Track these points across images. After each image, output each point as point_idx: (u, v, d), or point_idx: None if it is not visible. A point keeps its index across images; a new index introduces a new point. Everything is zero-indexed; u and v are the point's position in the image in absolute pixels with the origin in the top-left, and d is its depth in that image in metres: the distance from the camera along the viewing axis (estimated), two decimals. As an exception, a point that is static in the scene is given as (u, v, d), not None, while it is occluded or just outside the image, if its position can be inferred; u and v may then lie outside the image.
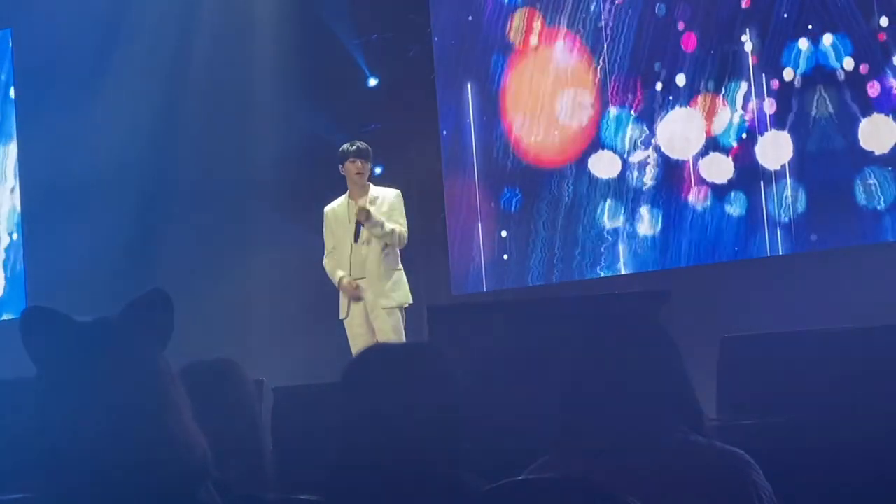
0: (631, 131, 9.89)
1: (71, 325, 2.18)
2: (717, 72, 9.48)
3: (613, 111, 9.97)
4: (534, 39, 10.43)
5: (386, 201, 8.27)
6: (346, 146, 8.35)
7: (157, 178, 11.20)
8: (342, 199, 8.45)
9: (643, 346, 2.89)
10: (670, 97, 9.69)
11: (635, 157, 9.86)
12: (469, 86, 10.74)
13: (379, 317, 8.18)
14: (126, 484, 2.05)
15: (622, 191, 9.92)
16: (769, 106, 9.25)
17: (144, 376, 2.15)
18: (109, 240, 10.94)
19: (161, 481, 2.07)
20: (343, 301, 8.32)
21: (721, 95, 9.46)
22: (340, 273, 8.29)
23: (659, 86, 9.73)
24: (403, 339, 8.12)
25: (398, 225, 8.21)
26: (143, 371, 2.15)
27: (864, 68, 8.90)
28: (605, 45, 10.00)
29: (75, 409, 2.09)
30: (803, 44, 9.12)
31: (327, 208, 8.51)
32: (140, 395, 2.12)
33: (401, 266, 8.34)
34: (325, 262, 8.46)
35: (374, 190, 8.34)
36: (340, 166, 8.34)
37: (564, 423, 2.87)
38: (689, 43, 9.62)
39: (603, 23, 10.01)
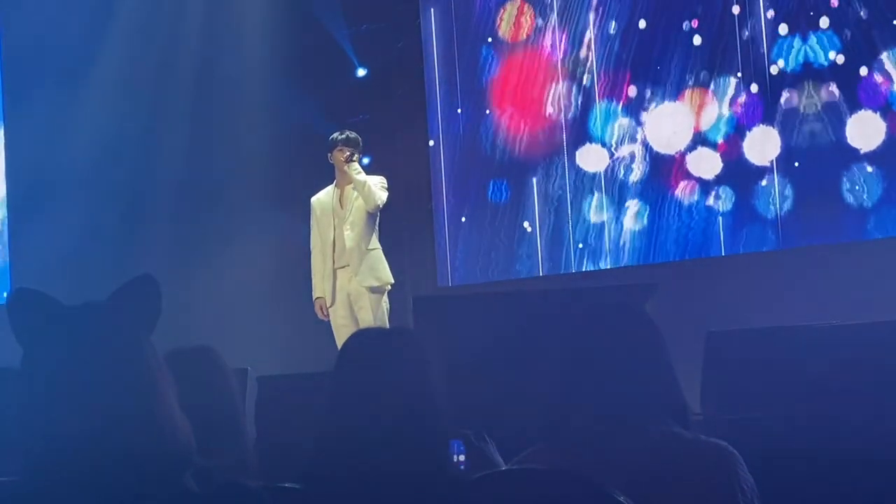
0: (618, 125, 9.89)
1: (58, 309, 2.18)
2: (706, 66, 9.49)
3: (601, 105, 9.98)
4: (523, 31, 10.43)
5: (370, 181, 8.31)
6: (335, 135, 8.41)
7: (143, 167, 11.16)
8: (328, 188, 8.49)
9: (629, 339, 2.90)
10: (658, 91, 9.70)
11: (622, 151, 9.86)
12: (458, 77, 10.74)
13: (363, 307, 8.20)
14: (109, 469, 2.05)
15: (609, 184, 9.92)
16: (757, 101, 9.26)
17: (130, 361, 2.14)
18: (95, 228, 10.90)
19: (144, 467, 2.07)
20: (328, 287, 8.34)
21: (709, 90, 9.47)
22: (317, 294, 8.36)
23: (647, 80, 9.75)
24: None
25: (375, 186, 8.23)
26: (130, 356, 2.15)
27: (852, 64, 8.92)
28: (594, 39, 10.01)
29: (60, 393, 2.09)
30: (792, 39, 9.14)
31: (314, 199, 8.53)
32: (125, 380, 2.11)
33: (378, 246, 8.37)
34: (313, 259, 8.49)
35: (362, 175, 8.33)
36: (329, 154, 8.38)
37: (550, 414, 2.87)
38: (679, 38, 9.63)
39: (591, 17, 10.02)
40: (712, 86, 9.45)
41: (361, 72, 11.15)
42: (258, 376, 5.71)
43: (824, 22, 9.00)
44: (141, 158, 11.16)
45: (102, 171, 11.11)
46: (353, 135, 8.38)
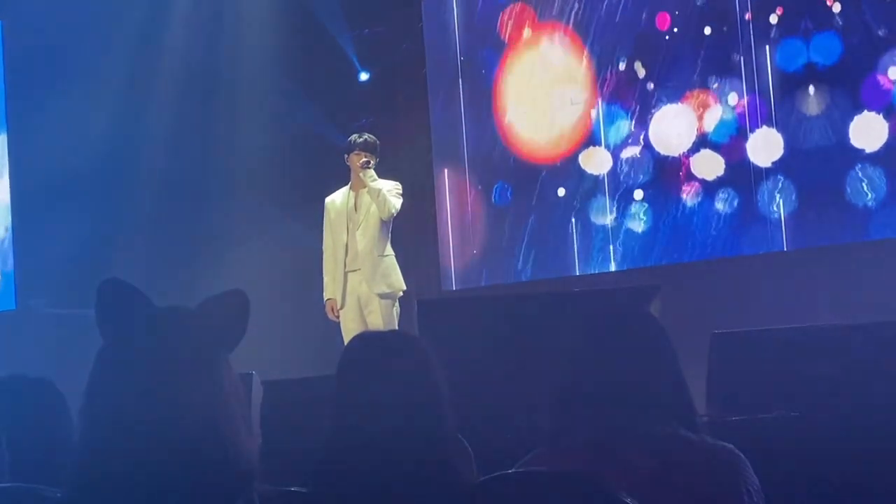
0: (622, 127, 9.89)
1: (147, 305, 2.16)
2: (710, 69, 9.48)
3: (605, 107, 9.98)
4: (525, 34, 10.43)
5: (384, 187, 8.24)
6: (354, 136, 8.32)
7: (147, 171, 11.17)
8: (343, 189, 8.42)
9: (634, 341, 2.90)
10: (662, 94, 9.69)
11: (626, 154, 9.86)
12: (460, 80, 10.74)
13: (373, 311, 8.16)
14: (166, 475, 2.02)
15: (613, 187, 9.92)
16: (760, 103, 9.26)
17: (206, 373, 2.12)
18: (100, 233, 10.90)
19: (202, 480, 2.04)
20: (339, 289, 8.29)
21: (712, 93, 9.46)
22: (328, 295, 8.32)
23: (650, 83, 9.75)
24: (396, 333, 8.07)
25: (389, 193, 8.18)
26: (206, 368, 2.12)
27: (855, 66, 8.91)
28: (595, 41, 10.01)
29: (131, 390, 2.06)
30: (795, 41, 9.14)
31: (328, 199, 8.46)
32: (197, 389, 2.09)
33: (391, 252, 8.32)
34: (325, 261, 8.43)
35: (377, 182, 8.25)
36: (346, 156, 8.31)
37: (555, 417, 2.87)
38: (682, 39, 9.63)
39: (595, 20, 10.02)
40: (716, 88, 9.45)
41: (364, 76, 11.16)
42: (263, 380, 5.72)
43: (827, 23, 9.00)
44: (144, 163, 11.17)
45: (105, 176, 11.11)
46: (371, 138, 8.28)
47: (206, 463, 2.04)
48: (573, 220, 10.10)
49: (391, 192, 8.20)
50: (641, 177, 9.80)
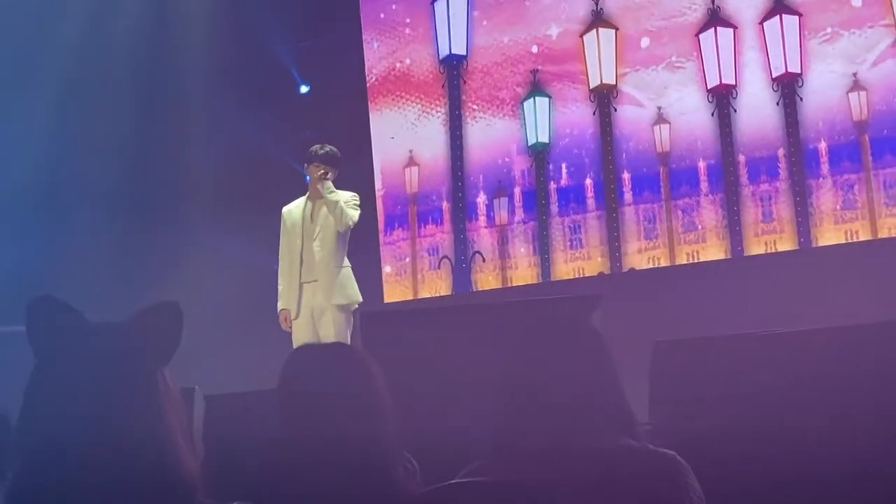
0: (568, 137, 9.93)
1: (79, 322, 2.16)
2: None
3: (544, 115, 10.02)
4: (473, 47, 10.46)
5: (342, 198, 8.18)
6: (315, 147, 8.21)
7: (87, 185, 11.08)
8: (300, 200, 8.36)
9: (575, 351, 2.90)
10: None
11: (576, 162, 9.90)
12: (402, 92, 10.75)
13: (326, 324, 8.09)
14: (105, 492, 2.01)
15: (558, 196, 9.95)
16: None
17: (140, 388, 2.12)
18: (39, 249, 10.80)
19: (141, 496, 2.03)
20: (293, 300, 8.21)
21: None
22: (282, 305, 8.25)
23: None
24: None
25: (347, 204, 8.13)
26: (141, 381, 2.13)
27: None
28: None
29: (67, 405, 2.06)
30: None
31: (284, 209, 8.38)
32: (132, 406, 2.09)
33: (348, 264, 8.27)
34: (280, 270, 8.35)
35: (335, 194, 8.18)
36: (305, 166, 8.24)
37: (498, 427, 2.87)
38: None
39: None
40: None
41: (304, 89, 11.14)
42: (206, 395, 5.68)
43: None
44: (84, 176, 11.08)
45: (45, 190, 11.02)
46: (332, 150, 8.19)
47: (145, 478, 2.03)
48: (517, 228, 10.12)
49: (349, 204, 8.14)
50: (590, 186, 9.84)
